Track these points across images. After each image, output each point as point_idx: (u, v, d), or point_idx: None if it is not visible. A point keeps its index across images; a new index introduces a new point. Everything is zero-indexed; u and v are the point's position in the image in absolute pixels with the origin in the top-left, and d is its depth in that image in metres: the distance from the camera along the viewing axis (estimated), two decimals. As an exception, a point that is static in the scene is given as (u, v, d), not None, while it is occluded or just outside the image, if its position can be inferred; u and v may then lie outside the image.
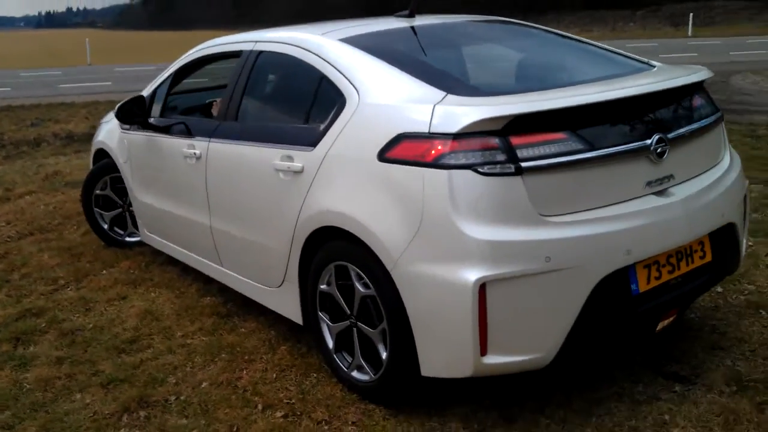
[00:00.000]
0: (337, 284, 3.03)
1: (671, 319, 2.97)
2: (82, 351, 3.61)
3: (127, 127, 4.65)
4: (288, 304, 3.40)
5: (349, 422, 2.88)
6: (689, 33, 31.95)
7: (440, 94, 2.69)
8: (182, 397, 3.13)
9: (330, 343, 3.18)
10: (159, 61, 26.36)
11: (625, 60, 3.42)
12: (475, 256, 2.46)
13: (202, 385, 3.22)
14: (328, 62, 3.17)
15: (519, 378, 2.89)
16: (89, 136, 10.59)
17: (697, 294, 3.16)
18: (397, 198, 2.63)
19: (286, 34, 3.61)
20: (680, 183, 2.86)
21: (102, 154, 5.19)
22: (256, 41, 3.73)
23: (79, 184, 7.20)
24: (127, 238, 5.20)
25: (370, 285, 2.82)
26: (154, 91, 4.50)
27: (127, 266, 4.76)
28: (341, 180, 2.89)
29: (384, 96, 2.87)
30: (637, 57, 3.47)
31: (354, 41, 3.26)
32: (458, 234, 2.48)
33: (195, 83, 5.09)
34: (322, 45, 3.30)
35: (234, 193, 3.60)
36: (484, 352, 2.52)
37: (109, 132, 5.03)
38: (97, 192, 5.12)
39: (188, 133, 3.99)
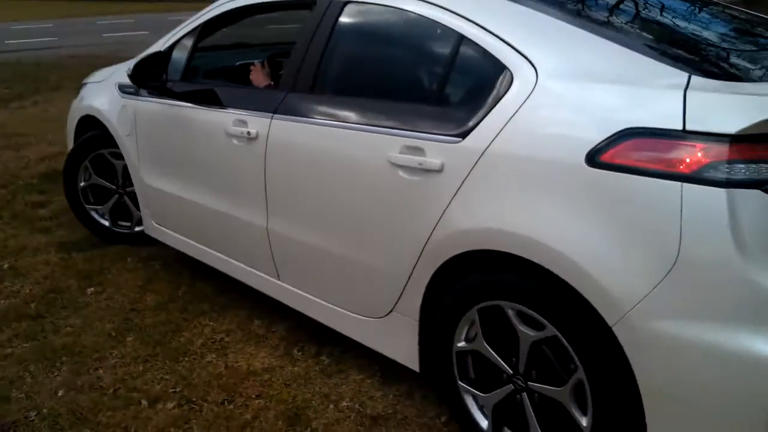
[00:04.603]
0: (486, 333, 2.26)
1: None
2: None
3: (131, 91, 3.70)
4: (394, 340, 2.62)
5: (253, 396, 2.79)
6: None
7: (680, 74, 1.90)
8: (44, 410, 2.72)
9: (484, 424, 2.35)
10: None
11: None
12: None
13: (59, 394, 2.83)
14: (472, 21, 2.32)
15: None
16: None
17: None
18: (628, 222, 1.84)
19: None
20: None
21: (87, 124, 4.15)
22: None
23: None
24: (137, 228, 4.23)
25: (570, 349, 2.02)
26: (171, 48, 3.56)
27: None
28: (517, 188, 2.07)
29: (583, 72, 2.06)
30: None
31: None
32: (745, 283, 1.71)
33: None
34: None
35: (312, 190, 2.74)
36: None
37: (103, 96, 4.01)
38: (82, 185, 4.17)
39: (233, 104, 3.11)
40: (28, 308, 3.52)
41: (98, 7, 27.26)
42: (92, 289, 3.70)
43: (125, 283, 3.76)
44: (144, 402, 2.77)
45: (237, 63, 3.93)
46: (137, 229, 4.24)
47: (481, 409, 2.38)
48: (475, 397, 2.38)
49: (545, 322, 2.04)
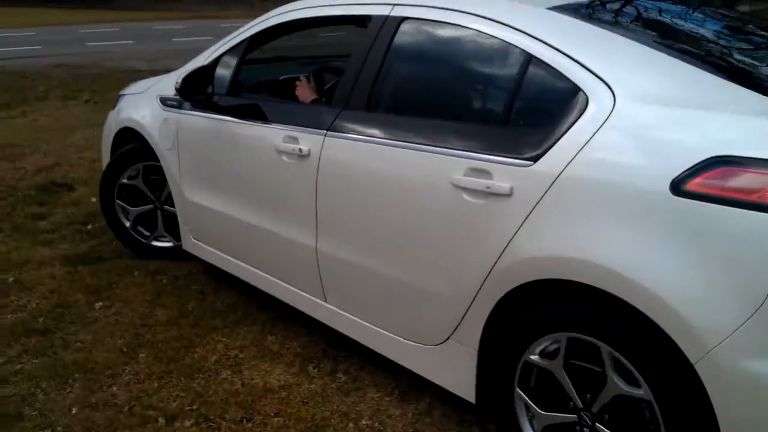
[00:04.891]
0: (567, 362, 2.15)
1: None
2: None
3: (174, 104, 3.63)
4: (449, 369, 2.52)
5: (271, 414, 2.76)
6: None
7: (766, 100, 1.88)
8: (59, 428, 2.68)
9: None
10: None
11: None
12: None
13: (73, 411, 2.78)
14: (541, 40, 2.25)
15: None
16: None
17: None
18: (714, 253, 1.76)
19: None
20: None
21: (126, 137, 4.07)
22: (395, 4, 2.76)
23: None
24: (154, 242, 4.21)
25: (639, 379, 1.94)
26: (216, 62, 3.49)
27: None
28: (592, 216, 1.98)
29: (664, 96, 1.99)
30: None
31: (578, 12, 2.35)
32: None
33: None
34: (524, 15, 2.39)
35: (366, 210, 2.66)
36: None
37: (143, 108, 3.92)
38: (124, 181, 4.10)
39: (283, 119, 3.03)
40: (36, 323, 3.46)
41: (83, 15, 27.08)
42: (100, 303, 3.65)
43: (134, 297, 3.72)
44: (161, 420, 2.73)
45: (281, 77, 3.86)
46: (154, 243, 4.22)
47: (530, 420, 2.30)
48: (527, 408, 2.30)
49: (643, 382, 1.93)
